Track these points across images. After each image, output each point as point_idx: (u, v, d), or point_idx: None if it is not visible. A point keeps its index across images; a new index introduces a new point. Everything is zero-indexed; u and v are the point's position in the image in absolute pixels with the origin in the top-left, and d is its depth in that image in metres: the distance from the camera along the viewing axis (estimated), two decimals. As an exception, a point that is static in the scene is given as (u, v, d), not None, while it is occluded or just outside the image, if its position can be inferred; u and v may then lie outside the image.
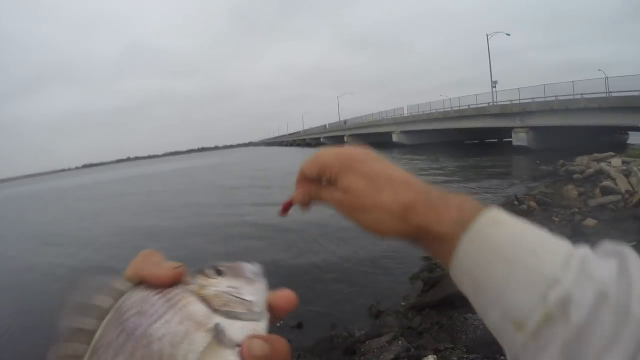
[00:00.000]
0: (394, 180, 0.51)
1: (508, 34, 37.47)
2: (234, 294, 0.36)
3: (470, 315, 3.60)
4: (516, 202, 8.24)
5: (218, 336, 0.33)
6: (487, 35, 36.23)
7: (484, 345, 3.22)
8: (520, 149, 21.69)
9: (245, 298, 0.36)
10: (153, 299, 0.35)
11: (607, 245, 0.42)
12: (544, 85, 24.55)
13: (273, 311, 0.38)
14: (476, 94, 31.83)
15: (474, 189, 11.34)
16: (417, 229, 0.49)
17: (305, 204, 0.58)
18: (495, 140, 30.74)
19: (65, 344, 0.33)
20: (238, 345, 0.33)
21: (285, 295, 0.38)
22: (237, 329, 0.34)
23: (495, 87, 32.55)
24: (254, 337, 0.33)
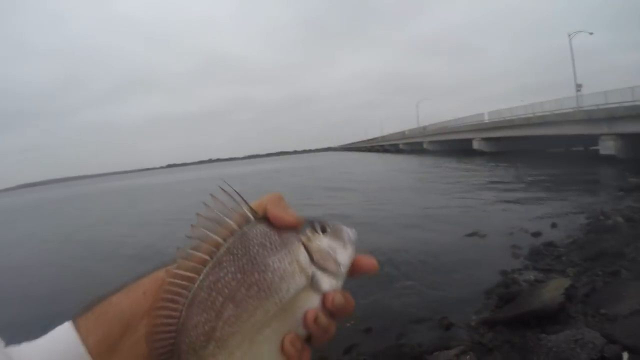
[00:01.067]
0: None
1: (591, 33, 34.07)
2: (331, 253, 0.46)
3: (544, 335, 3.47)
4: (602, 217, 7.69)
5: (312, 283, 0.44)
6: (569, 35, 33.40)
7: (557, 368, 3.10)
8: (608, 159, 19.66)
9: (338, 259, 0.46)
10: (273, 237, 0.44)
11: None
12: (632, 87, 22.00)
13: (354, 270, 0.47)
14: (559, 99, 29.71)
15: (555, 201, 10.56)
16: None
17: None
18: (582, 148, 28.29)
19: (191, 250, 0.42)
20: (322, 293, 0.44)
21: (370, 262, 0.48)
22: (325, 281, 0.44)
23: (579, 90, 30.16)
24: (337, 291, 0.44)
